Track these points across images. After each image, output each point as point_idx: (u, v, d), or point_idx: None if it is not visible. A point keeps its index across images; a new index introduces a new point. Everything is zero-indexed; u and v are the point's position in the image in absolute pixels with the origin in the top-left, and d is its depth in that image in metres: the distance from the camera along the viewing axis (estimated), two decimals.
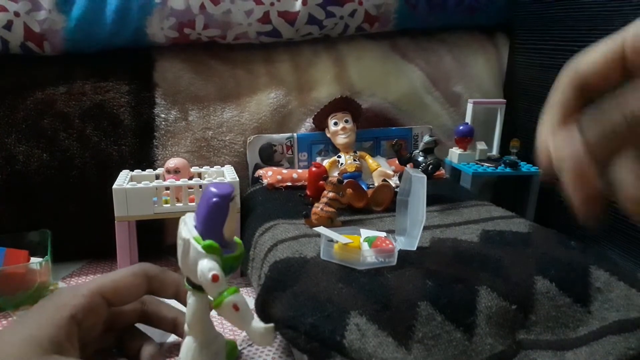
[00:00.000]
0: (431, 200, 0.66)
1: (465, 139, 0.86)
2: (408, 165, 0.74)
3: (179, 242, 0.44)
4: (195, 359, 0.46)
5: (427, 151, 0.72)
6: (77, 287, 0.48)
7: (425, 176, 0.52)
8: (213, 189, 0.43)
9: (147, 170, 0.77)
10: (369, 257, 0.50)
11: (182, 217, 0.47)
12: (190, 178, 0.75)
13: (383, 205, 0.71)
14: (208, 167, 0.80)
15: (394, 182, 0.75)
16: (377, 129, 0.89)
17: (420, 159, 0.72)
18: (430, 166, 0.71)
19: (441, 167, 0.76)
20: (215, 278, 0.41)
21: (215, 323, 0.51)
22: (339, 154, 0.81)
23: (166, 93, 0.83)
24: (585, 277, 0.49)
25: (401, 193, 0.58)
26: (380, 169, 0.78)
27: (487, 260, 0.51)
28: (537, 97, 0.89)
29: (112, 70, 0.82)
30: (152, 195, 0.69)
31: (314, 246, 0.55)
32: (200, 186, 0.70)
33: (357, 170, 0.78)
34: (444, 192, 0.76)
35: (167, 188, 0.71)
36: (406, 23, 0.94)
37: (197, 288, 0.45)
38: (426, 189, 0.51)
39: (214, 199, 0.43)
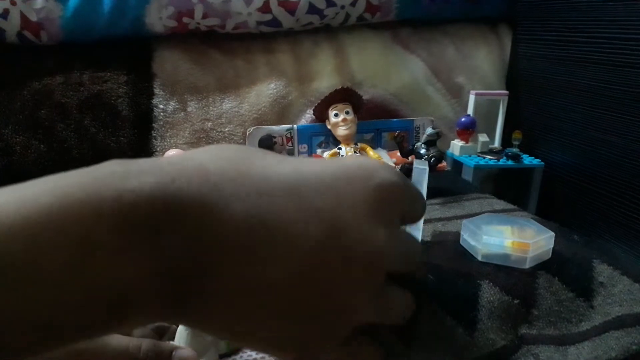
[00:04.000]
0: (433, 193, 0.66)
1: (467, 131, 0.86)
2: (410, 157, 0.73)
3: None
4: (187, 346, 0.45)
5: (430, 143, 0.72)
6: None
7: (427, 168, 0.51)
8: None
9: None
10: None
11: None
12: None
13: None
14: None
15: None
16: (378, 121, 0.88)
17: (422, 151, 0.72)
18: (433, 158, 0.70)
19: (443, 160, 0.76)
20: None
21: None
22: (340, 146, 0.80)
23: (165, 83, 0.82)
24: (588, 271, 0.49)
25: None
26: (381, 161, 0.78)
27: None
28: (540, 89, 0.88)
29: (110, 61, 0.81)
30: None
31: None
32: None
33: None
34: (446, 185, 0.76)
35: None
36: (408, 13, 0.93)
37: None
38: (427, 182, 0.51)
39: None
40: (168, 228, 0.20)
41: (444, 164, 0.83)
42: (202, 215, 0.21)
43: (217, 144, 0.25)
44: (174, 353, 0.40)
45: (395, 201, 0.25)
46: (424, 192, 0.37)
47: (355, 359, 0.26)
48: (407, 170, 0.67)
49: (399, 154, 0.76)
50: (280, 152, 0.85)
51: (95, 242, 0.19)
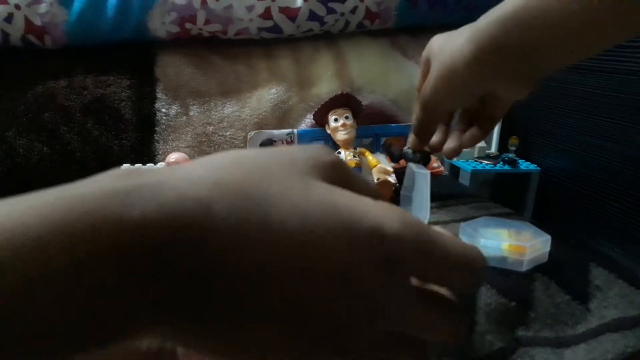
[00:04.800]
0: (430, 197, 0.67)
1: None
2: (401, 162, 0.74)
3: None
4: None
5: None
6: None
7: (428, 172, 0.52)
8: None
9: (147, 164, 0.77)
10: None
11: None
12: None
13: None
14: None
15: (392, 178, 0.75)
16: (376, 126, 0.89)
17: (410, 152, 0.71)
18: (419, 160, 0.70)
19: (430, 159, 0.76)
20: None
21: None
22: (339, 150, 0.81)
23: (167, 88, 0.83)
24: (585, 274, 0.49)
25: (405, 189, 0.59)
26: (380, 165, 0.79)
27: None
28: (536, 95, 0.89)
29: (113, 65, 0.82)
30: None
31: None
32: None
33: (356, 166, 0.78)
34: (443, 189, 0.77)
35: None
36: (407, 20, 0.94)
37: None
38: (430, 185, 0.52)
39: None
40: (169, 253, 0.20)
41: (441, 168, 0.84)
42: (201, 242, 0.20)
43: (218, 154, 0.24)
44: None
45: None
46: (428, 196, 0.38)
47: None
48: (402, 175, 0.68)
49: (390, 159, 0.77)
50: None
51: (96, 265, 0.19)
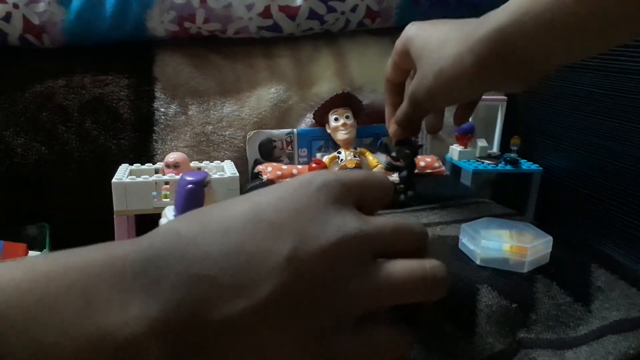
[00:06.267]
0: (431, 197, 0.66)
1: (466, 136, 0.86)
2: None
3: None
4: None
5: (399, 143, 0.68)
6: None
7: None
8: (187, 177, 0.44)
9: (146, 164, 0.77)
10: None
11: (163, 211, 0.47)
12: None
13: None
14: (208, 162, 0.79)
15: (393, 178, 0.75)
16: (377, 125, 0.89)
17: (393, 153, 0.69)
18: (410, 154, 0.67)
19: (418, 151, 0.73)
20: None
21: None
22: (339, 150, 0.80)
23: (166, 87, 0.82)
24: (586, 275, 0.49)
25: None
26: (380, 165, 0.78)
27: None
28: (538, 95, 0.88)
29: (111, 64, 0.82)
30: (151, 190, 0.69)
31: None
32: None
33: (357, 166, 0.78)
34: (444, 189, 0.76)
35: (167, 182, 0.70)
36: (408, 19, 0.92)
37: None
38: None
39: (189, 186, 0.44)
40: (156, 281, 0.23)
41: (442, 168, 0.84)
42: (185, 264, 0.24)
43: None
44: None
45: (340, 193, 0.28)
46: None
47: (373, 347, 0.26)
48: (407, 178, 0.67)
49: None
50: (280, 156, 0.85)
51: (96, 295, 0.22)
